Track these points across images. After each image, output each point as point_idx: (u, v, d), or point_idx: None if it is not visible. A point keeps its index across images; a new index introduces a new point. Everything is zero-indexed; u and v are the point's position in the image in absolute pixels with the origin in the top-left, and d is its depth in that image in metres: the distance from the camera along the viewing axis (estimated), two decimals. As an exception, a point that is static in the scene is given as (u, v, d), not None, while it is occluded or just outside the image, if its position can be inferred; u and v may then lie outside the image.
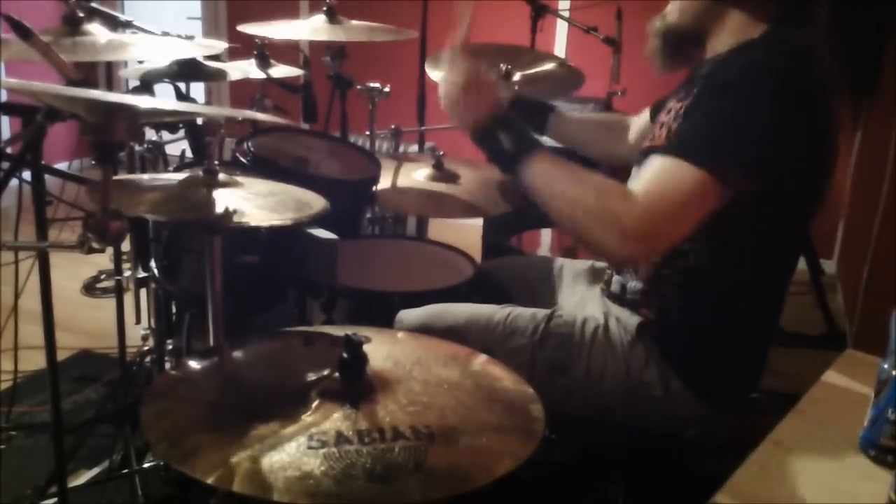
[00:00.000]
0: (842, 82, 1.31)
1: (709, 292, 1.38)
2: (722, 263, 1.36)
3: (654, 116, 1.70)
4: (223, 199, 1.42)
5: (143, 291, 2.44)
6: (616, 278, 1.51)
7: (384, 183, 2.11)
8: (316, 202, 1.51)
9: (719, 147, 1.23)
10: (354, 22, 2.23)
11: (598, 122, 1.90)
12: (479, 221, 3.41)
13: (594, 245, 1.26)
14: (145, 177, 1.86)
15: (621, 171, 1.69)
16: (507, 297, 1.69)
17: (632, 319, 1.44)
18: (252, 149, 1.97)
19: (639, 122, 1.80)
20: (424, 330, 1.47)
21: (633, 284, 1.46)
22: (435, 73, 2.36)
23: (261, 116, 2.24)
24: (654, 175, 1.25)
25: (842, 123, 1.34)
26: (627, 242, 1.23)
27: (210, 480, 0.86)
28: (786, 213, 1.33)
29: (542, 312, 1.51)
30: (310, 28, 2.19)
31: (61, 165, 2.71)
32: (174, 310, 2.08)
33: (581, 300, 1.68)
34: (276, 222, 1.42)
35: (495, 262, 2.03)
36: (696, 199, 1.22)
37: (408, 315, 1.55)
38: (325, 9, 2.17)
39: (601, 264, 1.75)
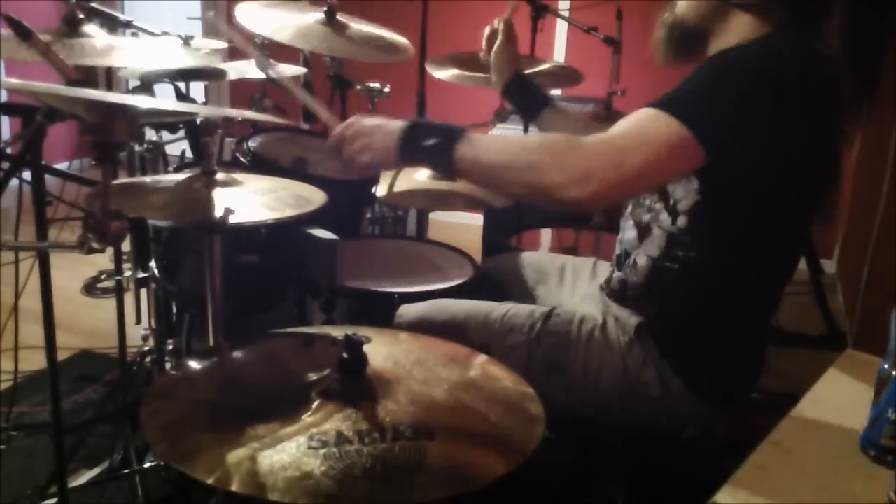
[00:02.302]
0: (849, 95, 1.30)
1: (708, 288, 1.38)
2: (721, 259, 1.37)
3: None
4: (222, 199, 1.42)
5: (143, 291, 2.44)
6: (617, 275, 1.51)
7: (385, 182, 2.11)
8: (315, 197, 1.52)
9: (703, 108, 1.21)
10: (354, 26, 2.23)
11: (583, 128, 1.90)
12: (480, 221, 3.42)
13: (547, 189, 1.18)
14: (146, 179, 1.86)
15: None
16: (506, 296, 1.69)
17: (631, 320, 1.44)
18: (252, 149, 1.97)
19: None
20: (424, 324, 1.47)
21: (635, 281, 1.46)
22: (438, 73, 2.37)
23: (261, 117, 2.24)
24: (630, 120, 1.22)
25: (847, 135, 1.33)
26: (582, 189, 1.15)
27: (210, 480, 0.86)
28: (784, 212, 1.34)
29: (539, 310, 1.51)
30: (307, 34, 2.17)
31: (61, 165, 2.71)
32: (174, 310, 2.08)
33: (581, 299, 1.68)
34: (274, 217, 1.42)
35: (495, 259, 2.03)
36: (670, 150, 1.18)
37: (408, 310, 1.55)
38: (325, 10, 2.17)
39: (604, 262, 1.76)
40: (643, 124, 1.21)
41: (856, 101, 1.36)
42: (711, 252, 1.36)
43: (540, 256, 1.91)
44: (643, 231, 1.45)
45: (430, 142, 1.27)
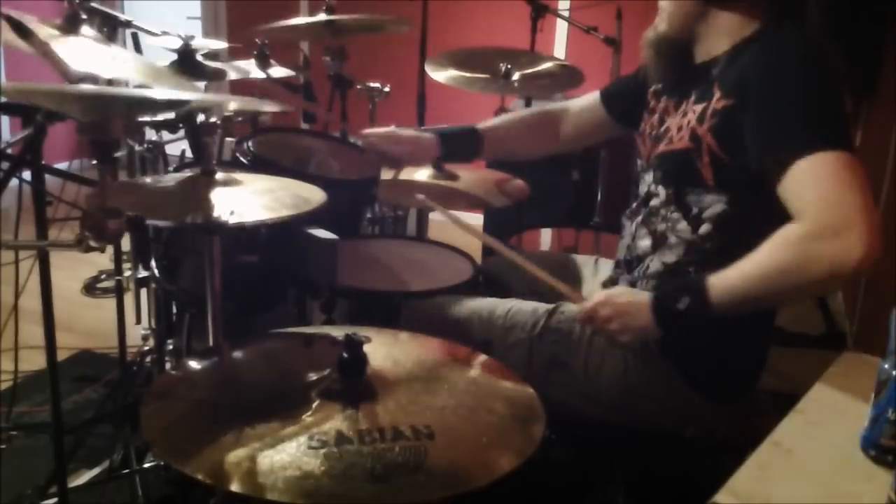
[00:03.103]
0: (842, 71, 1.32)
1: None
2: (730, 258, 1.36)
3: (610, 105, 1.72)
4: (222, 199, 1.42)
5: (143, 291, 2.44)
6: (625, 277, 1.52)
7: (385, 181, 2.11)
8: (314, 196, 1.51)
9: (829, 126, 1.22)
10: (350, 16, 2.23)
11: (525, 126, 1.87)
12: (480, 221, 3.42)
13: (837, 279, 1.18)
14: (146, 180, 1.86)
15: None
16: (507, 295, 1.69)
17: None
18: (252, 149, 1.97)
19: (581, 105, 1.80)
20: (428, 322, 1.47)
21: (645, 284, 1.46)
22: (437, 75, 2.37)
23: (258, 106, 2.23)
24: (806, 185, 1.20)
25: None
26: (852, 248, 1.13)
27: (210, 480, 0.86)
28: None
29: (543, 307, 1.51)
30: (306, 26, 2.18)
31: (61, 165, 2.70)
32: (174, 310, 2.08)
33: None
34: (273, 217, 1.42)
35: (495, 258, 2.03)
36: (853, 175, 1.18)
37: (412, 307, 1.56)
38: (325, 8, 2.17)
39: (605, 260, 1.76)
40: (818, 178, 1.19)
41: (855, 97, 1.38)
42: (733, 256, 1.35)
43: (541, 253, 1.91)
44: (659, 239, 1.44)
45: (683, 305, 1.29)
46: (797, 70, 1.27)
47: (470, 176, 2.16)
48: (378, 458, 0.90)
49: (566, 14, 3.37)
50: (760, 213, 1.28)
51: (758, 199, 1.28)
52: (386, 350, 1.15)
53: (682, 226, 1.40)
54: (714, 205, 1.36)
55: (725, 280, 1.27)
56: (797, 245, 1.19)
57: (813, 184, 1.19)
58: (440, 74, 2.40)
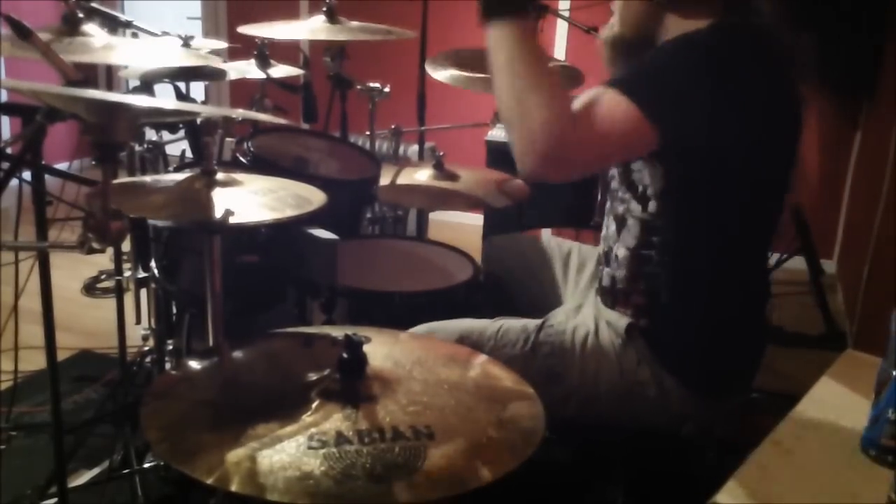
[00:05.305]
0: (804, 60, 1.33)
1: (688, 273, 1.39)
2: (695, 240, 1.38)
3: None
4: (222, 199, 1.42)
5: (143, 291, 2.44)
6: (606, 271, 1.51)
7: (385, 181, 2.11)
8: (315, 197, 1.52)
9: (656, 90, 1.26)
10: (354, 23, 2.24)
11: None
12: (480, 221, 3.42)
13: (511, 140, 1.25)
14: (146, 178, 1.86)
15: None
16: (507, 296, 1.69)
17: (621, 321, 1.44)
18: (252, 149, 1.97)
19: None
20: None
21: (621, 274, 1.46)
22: (437, 74, 2.37)
23: (261, 116, 2.24)
24: (592, 102, 1.26)
25: (803, 100, 1.36)
26: (537, 158, 1.22)
27: (210, 480, 0.86)
28: (749, 190, 1.35)
29: (532, 323, 1.51)
30: (310, 28, 2.19)
31: (61, 165, 2.70)
32: (174, 310, 2.08)
33: (582, 292, 1.68)
34: (274, 218, 1.42)
35: (501, 238, 2.02)
36: (624, 132, 1.25)
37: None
38: (324, 9, 2.17)
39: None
40: (602, 107, 1.25)
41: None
42: (685, 234, 1.37)
43: (546, 240, 1.90)
44: (620, 223, 1.46)
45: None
46: (672, 48, 1.32)
47: (470, 176, 2.16)
48: (378, 458, 0.90)
49: (566, 14, 3.37)
50: (699, 184, 1.32)
51: (691, 169, 1.31)
52: (386, 350, 1.15)
53: (634, 205, 1.41)
54: (656, 180, 1.37)
55: (513, 34, 1.28)
56: (544, 115, 1.22)
57: (600, 110, 1.25)
58: (440, 74, 2.40)
